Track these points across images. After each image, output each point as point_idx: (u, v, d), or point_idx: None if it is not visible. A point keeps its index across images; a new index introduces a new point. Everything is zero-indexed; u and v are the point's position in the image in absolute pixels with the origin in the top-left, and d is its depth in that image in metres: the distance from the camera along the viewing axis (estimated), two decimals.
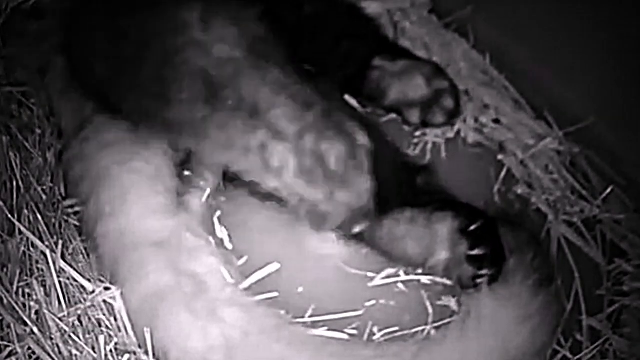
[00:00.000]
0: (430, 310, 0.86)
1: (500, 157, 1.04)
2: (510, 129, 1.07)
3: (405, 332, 0.84)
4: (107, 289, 0.76)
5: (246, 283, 0.81)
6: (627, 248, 0.96)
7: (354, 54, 1.03)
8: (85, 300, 0.76)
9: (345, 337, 0.82)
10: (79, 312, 0.75)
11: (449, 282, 0.87)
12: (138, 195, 0.80)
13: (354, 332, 0.83)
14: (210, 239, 0.84)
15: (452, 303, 0.87)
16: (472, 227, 0.83)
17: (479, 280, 0.81)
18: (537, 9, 1.08)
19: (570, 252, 0.95)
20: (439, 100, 1.04)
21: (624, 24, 0.97)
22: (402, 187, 0.88)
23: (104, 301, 0.78)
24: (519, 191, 1.01)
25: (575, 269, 0.92)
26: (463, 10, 1.17)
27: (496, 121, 1.08)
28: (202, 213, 0.85)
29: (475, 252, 0.82)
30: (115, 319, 0.77)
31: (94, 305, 0.77)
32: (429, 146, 1.05)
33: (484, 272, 0.82)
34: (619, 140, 1.01)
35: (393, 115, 1.06)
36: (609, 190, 0.99)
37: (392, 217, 0.86)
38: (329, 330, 0.82)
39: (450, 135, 1.07)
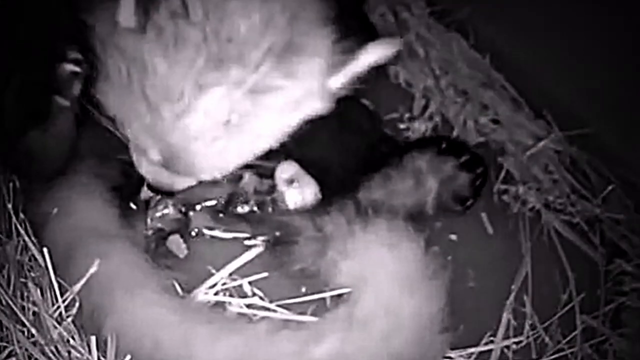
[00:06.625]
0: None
1: (499, 159, 1.04)
2: (509, 129, 1.07)
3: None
4: None
5: None
6: (627, 248, 0.96)
7: None
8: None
9: None
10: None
11: None
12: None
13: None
14: None
15: None
16: (444, 145, 0.87)
17: (478, 183, 0.86)
18: (537, 9, 1.08)
19: (569, 252, 0.95)
20: None
21: (624, 24, 0.97)
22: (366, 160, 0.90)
23: None
24: (519, 191, 1.01)
25: (571, 268, 0.93)
26: (463, 10, 1.17)
27: (495, 121, 1.08)
28: None
29: (464, 157, 0.86)
30: None
31: None
32: None
33: (480, 170, 0.86)
34: (619, 140, 1.01)
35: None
36: (608, 189, 0.99)
37: (364, 186, 0.87)
38: None
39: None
